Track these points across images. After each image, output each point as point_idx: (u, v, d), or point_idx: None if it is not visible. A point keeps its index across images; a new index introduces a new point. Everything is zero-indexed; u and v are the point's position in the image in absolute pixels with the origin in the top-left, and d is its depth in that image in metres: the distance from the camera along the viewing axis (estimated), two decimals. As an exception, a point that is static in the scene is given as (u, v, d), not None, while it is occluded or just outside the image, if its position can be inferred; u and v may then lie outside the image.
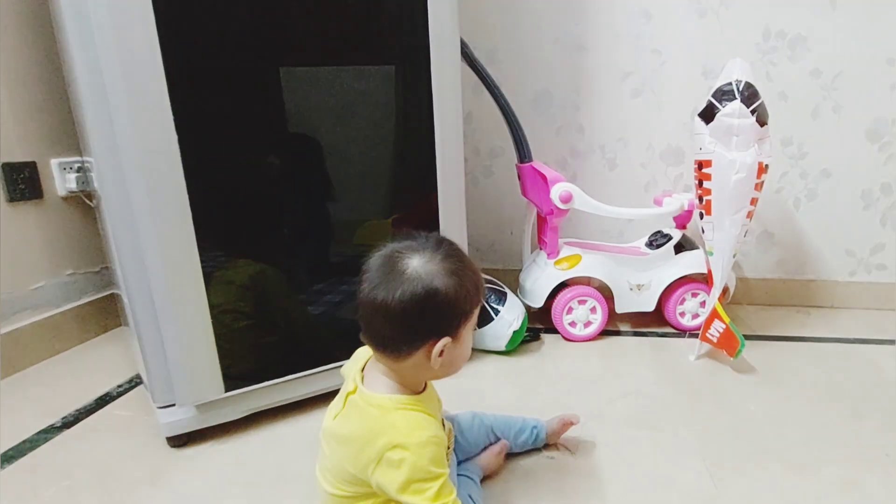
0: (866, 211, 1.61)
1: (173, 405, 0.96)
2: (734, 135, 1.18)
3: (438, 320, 0.65)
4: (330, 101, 1.00)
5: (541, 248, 1.45)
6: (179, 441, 0.99)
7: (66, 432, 1.05)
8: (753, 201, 1.23)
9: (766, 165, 1.22)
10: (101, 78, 0.79)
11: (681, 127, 1.53)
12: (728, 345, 1.25)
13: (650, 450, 0.98)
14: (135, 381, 1.23)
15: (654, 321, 1.51)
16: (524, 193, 1.42)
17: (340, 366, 1.05)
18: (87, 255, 1.43)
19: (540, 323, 1.48)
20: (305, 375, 1.05)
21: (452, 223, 1.14)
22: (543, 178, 1.31)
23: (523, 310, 1.31)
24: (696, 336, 1.34)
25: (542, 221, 1.41)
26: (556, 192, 1.30)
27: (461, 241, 1.17)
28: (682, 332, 1.45)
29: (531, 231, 1.50)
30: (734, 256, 1.27)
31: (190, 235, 0.88)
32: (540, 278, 1.39)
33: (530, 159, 1.36)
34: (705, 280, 1.35)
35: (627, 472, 0.92)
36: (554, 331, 1.43)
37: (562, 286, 1.40)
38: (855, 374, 1.25)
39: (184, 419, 0.97)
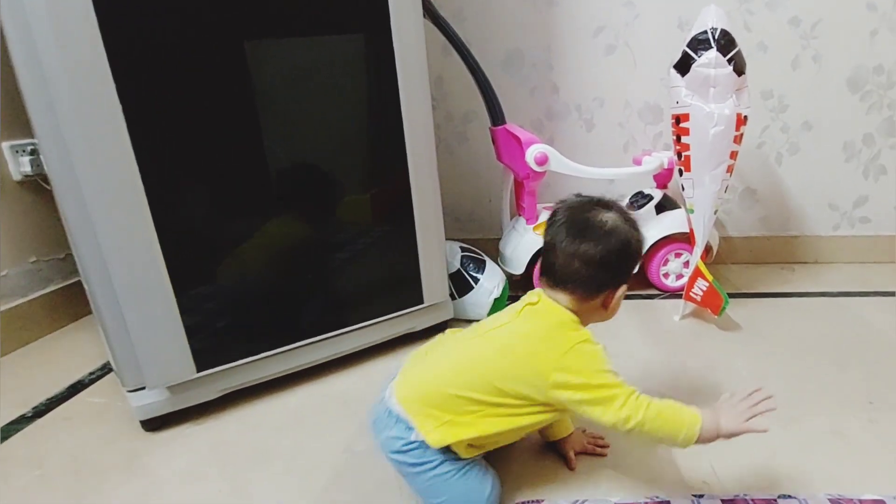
0: (848, 163, 1.60)
1: (143, 388, 0.94)
2: (711, 86, 1.15)
3: (626, 269, 0.78)
4: (289, 75, 0.96)
5: (519, 215, 1.43)
6: (154, 424, 0.98)
7: (38, 422, 1.04)
8: (733, 155, 1.22)
9: (745, 117, 1.20)
10: (35, 50, 0.75)
11: (658, 83, 1.51)
12: (712, 303, 1.25)
13: (635, 409, 0.98)
14: (107, 368, 1.21)
15: (639, 283, 1.51)
16: (499, 158, 1.40)
17: (318, 341, 1.06)
18: (50, 241, 1.39)
19: (522, 290, 1.46)
20: (282, 352, 1.03)
21: (425, 194, 1.12)
22: (518, 140, 1.28)
23: (503, 277, 1.30)
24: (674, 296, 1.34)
25: (519, 186, 1.39)
26: (531, 154, 1.27)
27: (435, 212, 1.16)
28: (665, 294, 1.45)
29: (509, 197, 1.49)
30: (715, 213, 1.26)
31: (146, 216, 0.85)
32: (519, 245, 1.38)
33: (503, 122, 1.33)
34: (688, 240, 1.34)
35: (615, 435, 0.91)
36: (536, 298, 1.42)
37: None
38: (839, 327, 1.26)
39: (156, 402, 0.96)
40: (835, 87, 1.53)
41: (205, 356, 0.96)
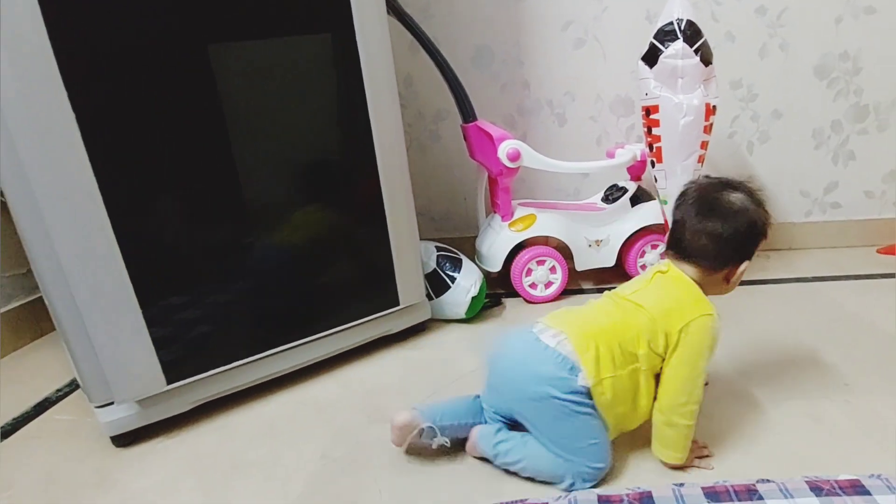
0: (818, 150, 1.64)
1: (112, 403, 0.92)
2: (679, 77, 1.17)
3: (751, 247, 0.83)
4: (252, 78, 0.95)
5: (494, 212, 1.44)
6: (125, 440, 0.96)
7: (5, 442, 1.01)
8: (704, 145, 1.24)
9: (714, 107, 1.22)
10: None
11: (628, 76, 1.52)
12: None
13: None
14: (74, 384, 1.19)
15: (617, 276, 1.51)
16: (472, 155, 1.40)
17: (291, 348, 1.05)
18: (11, 256, 1.36)
19: (501, 287, 1.47)
20: (254, 360, 1.02)
21: (396, 194, 1.11)
22: (489, 136, 1.29)
23: (480, 275, 1.30)
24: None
25: (493, 183, 1.39)
26: (503, 150, 1.28)
27: (408, 212, 1.15)
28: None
29: (484, 194, 1.49)
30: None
31: (105, 227, 0.84)
32: (495, 242, 1.38)
33: (474, 118, 1.34)
34: (664, 231, 1.36)
35: None
36: (516, 294, 1.43)
37: (519, 248, 1.39)
38: (814, 311, 1.29)
39: (126, 417, 0.94)
40: (802, 75, 1.56)
41: (175, 368, 0.94)
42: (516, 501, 0.78)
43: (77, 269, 0.83)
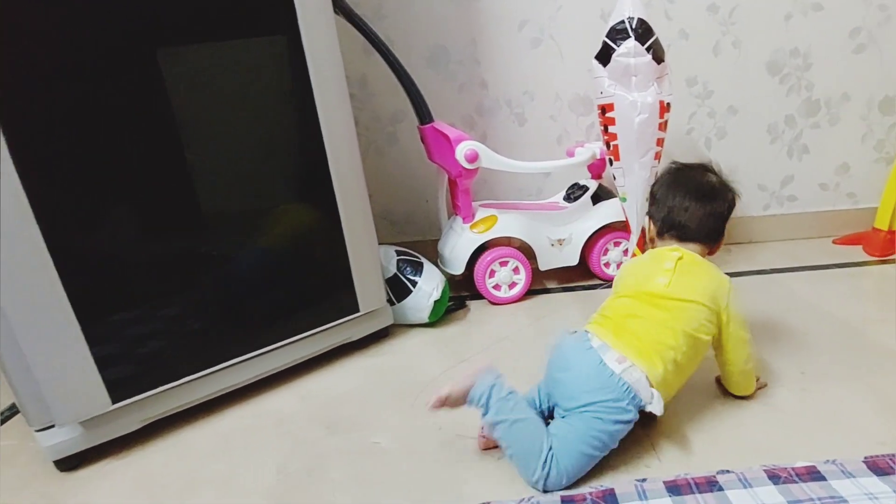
0: (773, 144, 1.68)
1: (53, 426, 0.88)
2: (632, 75, 1.19)
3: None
4: (196, 84, 0.92)
5: (455, 214, 1.43)
6: (69, 464, 0.92)
7: (-60, 474, 0.96)
8: (660, 142, 1.25)
9: (668, 104, 1.24)
10: None
11: (586, 75, 1.52)
12: None
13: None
14: (15, 408, 1.13)
15: (582, 275, 1.53)
16: (430, 157, 1.39)
17: (245, 360, 1.03)
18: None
19: (465, 290, 1.47)
20: (206, 375, 0.99)
21: (351, 198, 1.09)
22: (446, 138, 1.28)
23: (443, 278, 1.29)
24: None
25: (453, 185, 1.39)
26: (460, 151, 1.27)
27: (364, 216, 1.14)
28: (608, 283, 1.48)
29: (445, 197, 1.48)
30: (647, 200, 1.29)
31: (37, 242, 0.80)
32: (457, 244, 1.38)
33: (431, 120, 1.33)
34: (626, 228, 1.37)
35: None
36: (480, 296, 1.42)
37: (482, 250, 1.39)
38: (773, 302, 1.32)
39: (69, 440, 0.90)
40: (755, 72, 1.60)
41: (120, 387, 0.91)
42: (479, 506, 0.78)
43: (7, 285, 0.79)
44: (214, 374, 1.00)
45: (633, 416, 0.80)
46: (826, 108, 1.65)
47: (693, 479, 0.78)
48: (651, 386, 0.81)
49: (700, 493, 0.76)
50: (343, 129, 1.06)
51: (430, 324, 1.30)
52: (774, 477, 0.77)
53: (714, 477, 0.78)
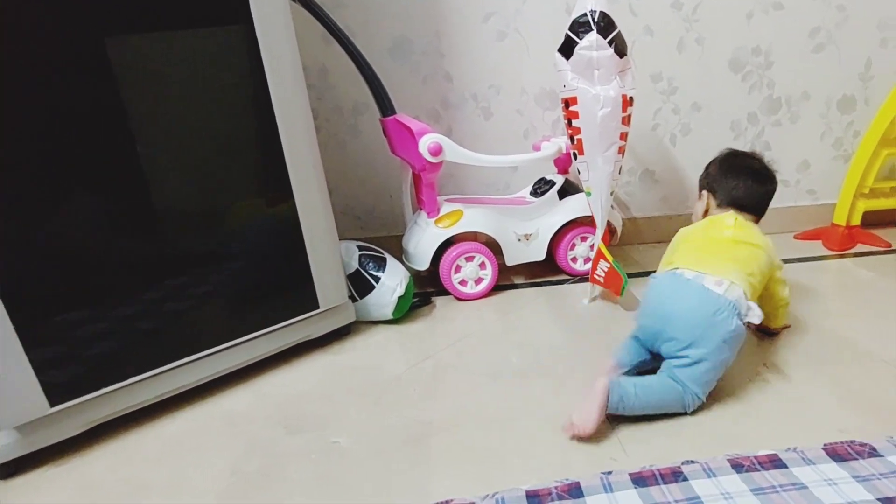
0: (736, 141, 1.71)
1: (-15, 432, 0.83)
2: (595, 68, 1.19)
3: None
4: (145, 77, 0.89)
5: (420, 208, 1.42)
6: (6, 471, 0.87)
7: None
8: (623, 136, 1.26)
9: (631, 98, 1.25)
10: None
11: (552, 69, 1.52)
12: (613, 283, 1.29)
13: (547, 396, 0.99)
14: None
15: (549, 270, 1.54)
16: (393, 151, 1.38)
17: (197, 359, 0.99)
18: None
19: (432, 286, 1.46)
20: (154, 375, 0.96)
21: (309, 192, 1.07)
22: (409, 130, 1.27)
23: (407, 274, 1.28)
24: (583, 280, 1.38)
25: (417, 179, 1.37)
26: (423, 144, 1.26)
27: (324, 211, 1.11)
28: (575, 278, 1.49)
29: (410, 191, 1.47)
30: (612, 195, 1.30)
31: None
32: (422, 240, 1.36)
33: (393, 112, 1.31)
34: (593, 223, 1.38)
35: (525, 421, 0.93)
36: (446, 292, 1.41)
37: (447, 245, 1.38)
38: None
39: (5, 445, 0.85)
40: (718, 69, 1.63)
41: (59, 389, 0.86)
42: (442, 502, 0.76)
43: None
44: (163, 375, 0.96)
45: (742, 328, 0.93)
46: (787, 106, 1.70)
47: (658, 470, 0.79)
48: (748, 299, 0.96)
49: (665, 483, 0.76)
50: (300, 121, 1.03)
51: (395, 320, 1.28)
52: (738, 466, 0.78)
53: (679, 468, 0.79)
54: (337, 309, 1.17)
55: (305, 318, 1.11)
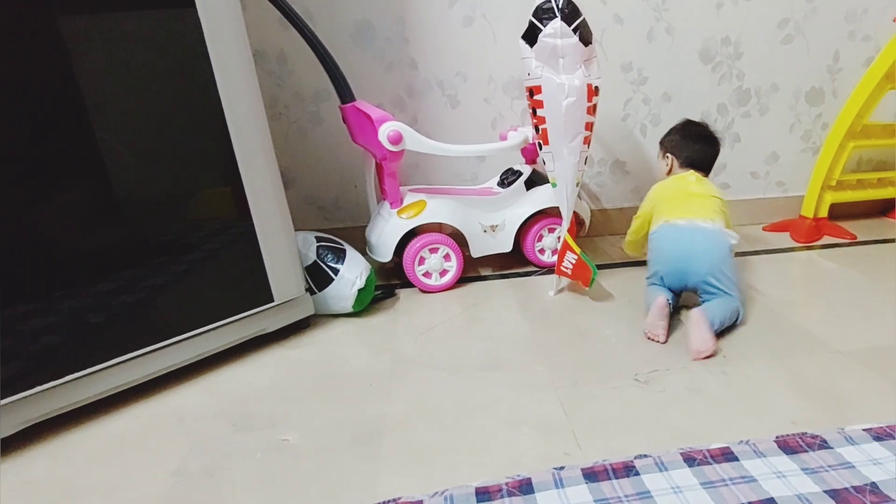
0: (707, 132, 1.72)
1: None
2: (560, 56, 1.18)
3: None
4: (85, 61, 0.85)
5: (383, 198, 1.40)
6: (-65, 474, 0.84)
7: None
8: (588, 126, 1.25)
9: (597, 87, 1.24)
10: None
11: (519, 57, 1.53)
12: (582, 275, 1.29)
13: (504, 390, 0.98)
14: None
15: (518, 262, 1.53)
16: (353, 139, 1.35)
17: (143, 354, 0.97)
18: None
19: (397, 278, 1.44)
20: (97, 371, 0.93)
21: (261, 182, 1.04)
22: (369, 118, 1.24)
23: (367, 266, 1.26)
24: (552, 272, 1.37)
25: (379, 168, 1.35)
26: (383, 132, 1.24)
27: (277, 200, 1.08)
28: (544, 270, 1.48)
29: (374, 181, 1.45)
30: (578, 186, 1.29)
31: None
32: (384, 231, 1.35)
33: (352, 98, 1.29)
34: (560, 214, 1.37)
35: (480, 416, 0.92)
36: (411, 285, 1.40)
37: (411, 236, 1.37)
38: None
39: (-67, 446, 0.82)
40: (688, 59, 1.63)
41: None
42: (389, 501, 0.75)
43: None
44: (108, 371, 0.93)
45: (730, 242, 1.22)
46: (756, 97, 1.71)
47: (611, 464, 0.78)
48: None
49: (617, 478, 0.76)
50: (248, 107, 1.00)
51: (356, 313, 1.27)
52: (690, 459, 0.78)
53: (631, 462, 0.78)
54: (293, 302, 1.14)
55: (259, 312, 1.09)
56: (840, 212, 1.78)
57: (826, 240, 1.70)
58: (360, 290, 1.22)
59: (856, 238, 1.69)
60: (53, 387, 0.89)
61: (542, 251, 1.49)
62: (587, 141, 1.25)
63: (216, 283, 1.04)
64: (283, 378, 1.05)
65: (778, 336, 1.12)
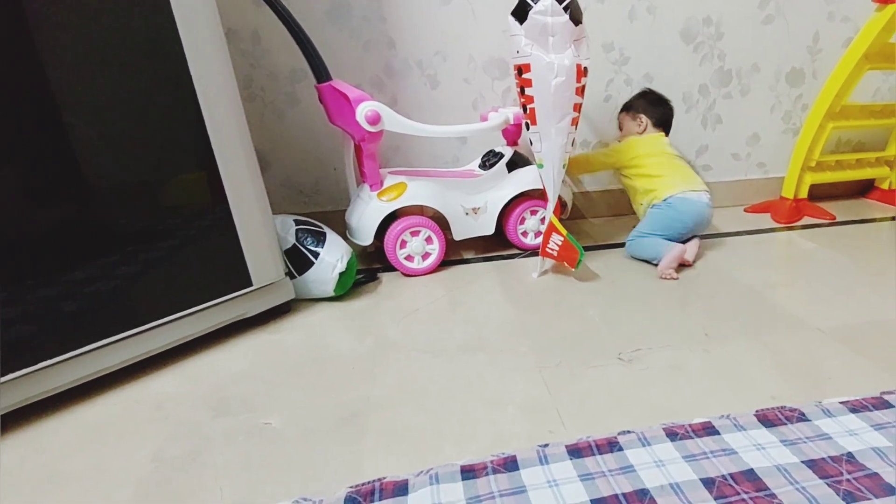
0: (688, 114, 1.75)
1: None
2: (549, 35, 1.18)
3: None
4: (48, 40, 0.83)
5: (362, 181, 1.39)
6: None
7: None
8: (577, 107, 1.26)
9: (585, 68, 1.25)
10: None
11: (501, 36, 1.53)
12: (568, 256, 1.30)
13: (488, 371, 1.00)
14: None
15: (501, 245, 1.54)
16: (331, 120, 1.34)
17: (119, 340, 0.96)
18: None
19: (379, 262, 1.44)
20: (72, 357, 0.91)
21: (236, 165, 1.03)
22: (346, 98, 1.23)
23: (349, 249, 1.25)
24: (535, 254, 1.38)
25: (358, 150, 1.35)
26: (361, 112, 1.23)
27: (253, 183, 1.07)
28: (526, 252, 1.50)
29: (353, 163, 1.44)
30: (564, 167, 1.30)
31: None
32: (364, 214, 1.34)
33: (329, 78, 1.27)
34: (543, 196, 1.38)
35: (464, 397, 0.93)
36: (394, 268, 1.40)
37: (392, 219, 1.37)
38: (684, 267, 1.38)
39: None
40: (670, 39, 1.65)
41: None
42: (374, 481, 0.76)
43: None
44: (83, 357, 0.92)
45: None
46: (738, 78, 1.73)
47: (594, 441, 0.80)
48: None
49: (601, 454, 0.77)
50: (221, 88, 0.99)
51: (338, 297, 1.27)
52: (672, 434, 0.80)
53: (615, 438, 0.80)
54: (273, 286, 1.14)
55: (238, 296, 1.08)
56: (820, 193, 1.83)
57: (806, 220, 1.74)
58: (341, 274, 1.21)
59: (835, 218, 1.74)
60: (26, 374, 0.87)
61: (524, 234, 1.50)
62: (575, 122, 1.25)
63: (193, 269, 1.03)
64: (264, 362, 1.05)
65: (759, 315, 1.15)
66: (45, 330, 0.89)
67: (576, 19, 1.20)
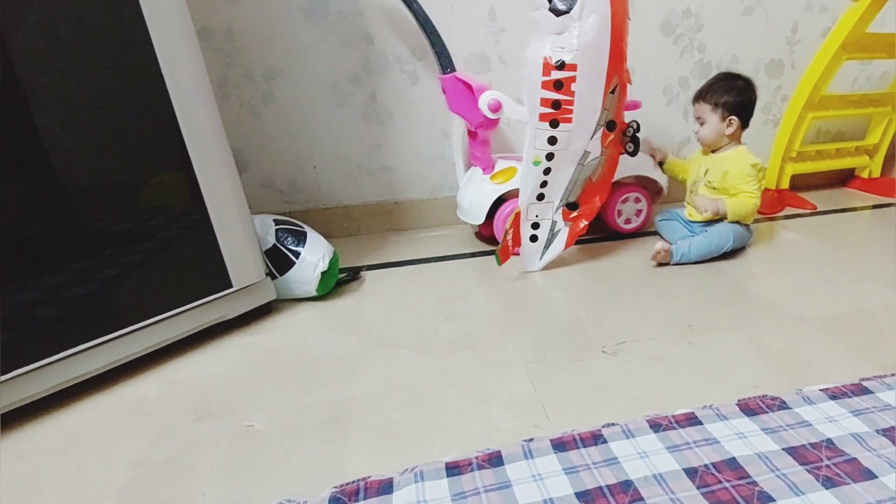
0: (669, 106, 1.77)
1: None
2: (538, 29, 1.19)
3: None
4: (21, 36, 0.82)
5: (473, 164, 1.51)
6: None
7: None
8: (547, 102, 1.25)
9: (560, 62, 1.25)
10: None
11: (479, 29, 1.54)
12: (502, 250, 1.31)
13: (473, 368, 1.01)
14: None
15: (486, 241, 1.55)
16: (450, 107, 1.44)
17: (98, 345, 0.96)
18: None
19: (487, 244, 1.54)
20: (49, 364, 0.91)
21: (212, 165, 1.03)
22: (469, 87, 1.34)
23: (330, 248, 1.26)
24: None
25: (472, 136, 1.46)
26: (483, 101, 1.33)
27: (230, 183, 1.07)
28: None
29: (462, 148, 1.53)
30: (536, 164, 1.27)
31: None
32: (477, 194, 1.46)
33: (453, 69, 1.38)
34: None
35: (450, 394, 0.94)
36: (378, 266, 1.43)
37: (500, 201, 1.47)
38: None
39: None
40: (650, 32, 1.67)
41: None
42: (359, 480, 0.77)
43: None
44: (59, 363, 0.92)
45: None
46: (717, 70, 1.75)
47: (579, 434, 0.81)
48: None
49: (585, 447, 0.79)
50: (195, 87, 0.99)
51: (321, 297, 1.27)
52: (656, 426, 0.82)
53: (599, 431, 0.82)
54: (254, 287, 1.14)
55: (218, 298, 1.08)
56: (801, 182, 1.86)
57: (788, 210, 1.78)
58: (323, 273, 1.22)
59: (816, 208, 1.78)
60: (4, 381, 0.87)
61: (627, 221, 1.61)
62: (545, 118, 1.25)
63: (171, 271, 1.03)
64: (246, 364, 1.05)
65: (741, 305, 1.18)
66: (21, 336, 0.88)
67: (556, 10, 1.20)
